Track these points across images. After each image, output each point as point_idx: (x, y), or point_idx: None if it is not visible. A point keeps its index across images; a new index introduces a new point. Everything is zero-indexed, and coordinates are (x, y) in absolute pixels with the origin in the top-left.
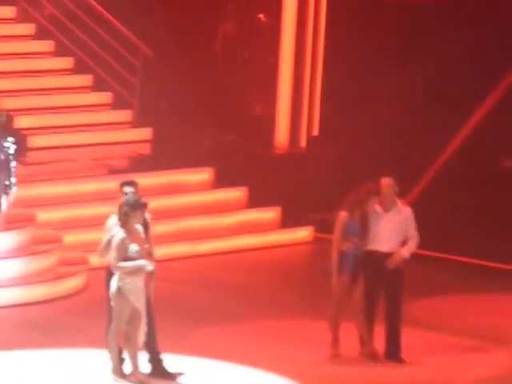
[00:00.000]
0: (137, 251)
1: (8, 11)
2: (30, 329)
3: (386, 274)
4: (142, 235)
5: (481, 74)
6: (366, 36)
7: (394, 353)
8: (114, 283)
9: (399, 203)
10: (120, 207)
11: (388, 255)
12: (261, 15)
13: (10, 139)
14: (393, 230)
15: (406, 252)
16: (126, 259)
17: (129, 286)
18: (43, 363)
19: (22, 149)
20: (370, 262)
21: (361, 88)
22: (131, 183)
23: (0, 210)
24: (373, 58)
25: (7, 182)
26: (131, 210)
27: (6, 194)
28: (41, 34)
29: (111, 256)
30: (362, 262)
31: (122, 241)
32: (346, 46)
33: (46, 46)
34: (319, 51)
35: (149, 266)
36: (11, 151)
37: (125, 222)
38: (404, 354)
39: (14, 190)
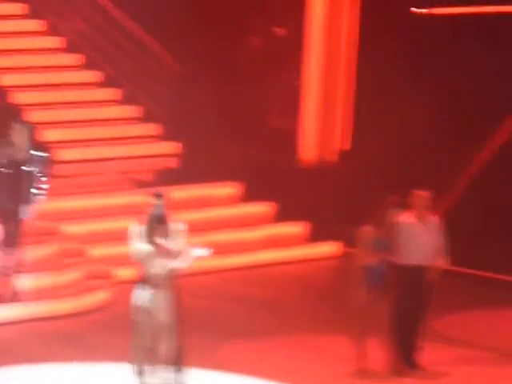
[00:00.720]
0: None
1: (37, 24)
2: (56, 342)
3: (420, 287)
4: (168, 248)
5: (510, 85)
6: (396, 49)
7: (414, 362)
8: (136, 296)
9: (430, 215)
10: (147, 219)
11: (422, 268)
12: (284, 29)
13: (36, 152)
14: (426, 241)
15: (442, 263)
16: (149, 273)
17: (151, 299)
18: (70, 377)
19: (47, 161)
20: (404, 276)
21: (389, 101)
22: (160, 196)
23: (22, 219)
24: (402, 72)
25: (31, 194)
26: (156, 223)
27: (30, 204)
28: (71, 48)
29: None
30: (395, 275)
31: (148, 254)
32: (375, 59)
33: (76, 59)
34: (349, 65)
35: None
36: (36, 164)
37: (150, 235)
38: (432, 368)
39: (39, 201)
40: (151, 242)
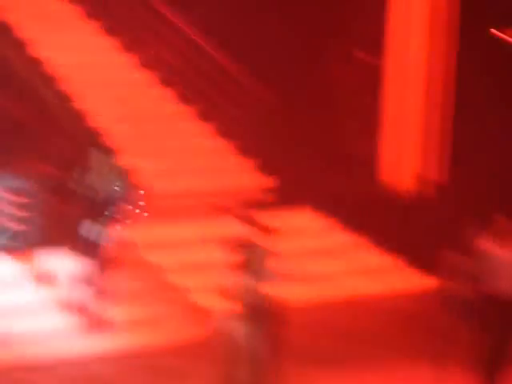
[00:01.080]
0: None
1: (128, 57)
2: (155, 374)
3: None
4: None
5: None
6: (493, 75)
7: None
8: (232, 328)
9: None
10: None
11: None
12: (364, 53)
13: (119, 180)
14: None
15: None
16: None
17: (243, 330)
18: None
19: (133, 190)
20: (495, 306)
21: (485, 129)
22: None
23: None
24: (499, 100)
25: (114, 222)
26: (250, 253)
27: (113, 233)
28: (165, 80)
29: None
30: (487, 306)
31: (245, 286)
32: (472, 87)
33: (170, 91)
34: (445, 94)
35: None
36: (120, 192)
37: (247, 265)
38: None
39: (123, 230)
40: (248, 272)
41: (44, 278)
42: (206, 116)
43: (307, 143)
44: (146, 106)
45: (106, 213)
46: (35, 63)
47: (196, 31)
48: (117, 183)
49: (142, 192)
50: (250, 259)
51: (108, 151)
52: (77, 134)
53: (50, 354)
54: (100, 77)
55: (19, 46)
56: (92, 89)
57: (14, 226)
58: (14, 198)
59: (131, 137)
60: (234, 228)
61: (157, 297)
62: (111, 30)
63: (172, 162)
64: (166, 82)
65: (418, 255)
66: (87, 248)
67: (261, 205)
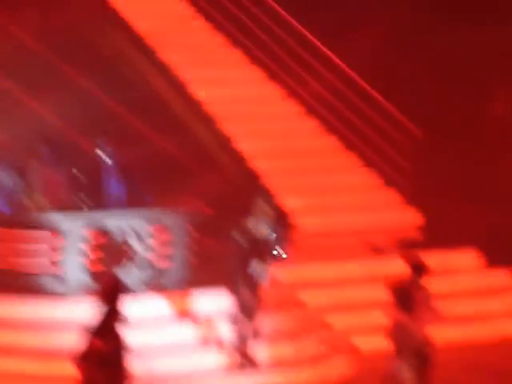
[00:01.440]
0: None
1: (276, 90)
2: None
3: None
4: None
5: None
6: None
7: None
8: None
9: None
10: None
11: None
12: None
13: (274, 220)
14: None
15: None
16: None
17: (407, 372)
18: None
19: (285, 231)
20: None
21: None
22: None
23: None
24: None
25: (268, 262)
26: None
27: (266, 272)
28: (309, 113)
29: None
30: None
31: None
32: None
33: (314, 125)
34: None
35: None
36: (275, 234)
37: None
38: None
39: (275, 270)
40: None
41: (196, 317)
42: (355, 150)
43: (459, 180)
44: (296, 140)
45: (262, 253)
46: (192, 102)
47: (347, 64)
48: (272, 223)
49: (293, 230)
50: (405, 298)
51: (264, 191)
52: (233, 173)
53: None
54: (252, 111)
55: (177, 86)
56: (244, 124)
57: (166, 264)
58: (165, 235)
59: (282, 173)
60: (390, 266)
61: (309, 336)
62: (261, 62)
63: (323, 198)
64: (317, 115)
65: None
66: (242, 287)
67: (413, 243)
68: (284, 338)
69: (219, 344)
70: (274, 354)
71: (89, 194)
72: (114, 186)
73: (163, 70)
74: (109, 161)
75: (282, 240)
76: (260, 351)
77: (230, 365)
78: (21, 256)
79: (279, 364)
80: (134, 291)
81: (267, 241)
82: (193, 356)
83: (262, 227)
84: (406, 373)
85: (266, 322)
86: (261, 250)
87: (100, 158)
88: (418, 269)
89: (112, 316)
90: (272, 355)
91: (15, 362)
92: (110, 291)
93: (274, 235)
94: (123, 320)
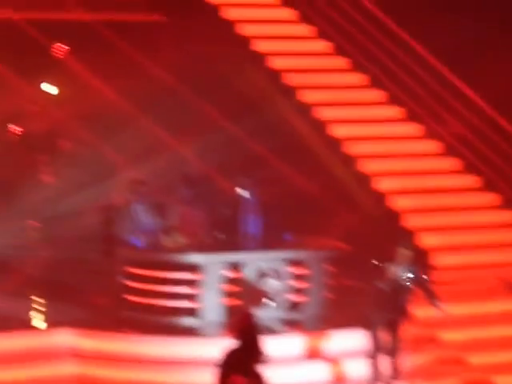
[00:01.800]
0: None
1: (415, 129)
2: None
3: None
4: None
5: None
6: None
7: None
8: None
9: None
10: None
11: None
12: None
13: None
14: None
15: None
16: None
17: None
18: None
19: (426, 272)
20: None
21: None
22: None
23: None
24: None
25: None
26: None
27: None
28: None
29: None
30: None
31: None
32: None
33: (452, 164)
34: None
35: None
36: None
37: None
38: None
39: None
40: None
41: (331, 356)
42: (495, 189)
43: None
44: (435, 179)
45: (403, 296)
46: (331, 141)
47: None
48: (412, 267)
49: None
50: None
51: (405, 235)
52: (371, 211)
53: None
54: (390, 149)
55: (316, 125)
56: (382, 162)
57: (303, 302)
58: (302, 273)
59: (421, 212)
60: None
61: (441, 373)
62: (400, 100)
63: (457, 236)
64: (456, 154)
65: None
66: (386, 327)
67: None
68: (423, 376)
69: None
70: None
71: (228, 232)
72: (253, 225)
73: (303, 109)
74: (249, 198)
75: (423, 283)
76: None
77: None
78: (161, 296)
79: None
80: (270, 329)
81: (411, 285)
82: None
83: (401, 271)
84: None
85: (406, 360)
86: (404, 295)
87: (240, 196)
88: None
89: (251, 353)
90: None
91: None
92: (244, 328)
93: (418, 280)
94: (263, 358)
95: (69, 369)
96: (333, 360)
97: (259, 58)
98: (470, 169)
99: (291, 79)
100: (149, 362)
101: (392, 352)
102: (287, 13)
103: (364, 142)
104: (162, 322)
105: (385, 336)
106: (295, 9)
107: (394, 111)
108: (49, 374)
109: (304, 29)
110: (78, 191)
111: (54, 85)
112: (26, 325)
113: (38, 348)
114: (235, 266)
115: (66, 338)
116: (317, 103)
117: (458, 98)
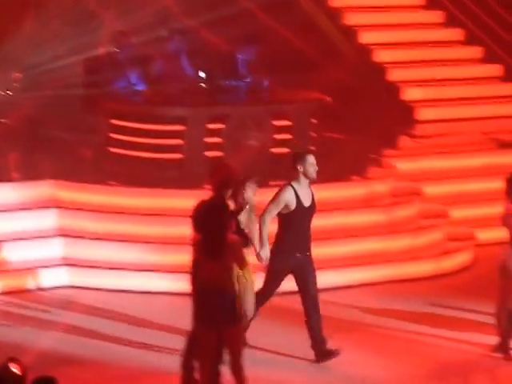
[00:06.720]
0: None
1: None
2: (411, 304)
3: None
4: None
5: None
6: None
7: None
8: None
9: None
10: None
11: None
12: None
13: None
14: None
15: None
16: None
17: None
18: None
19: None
20: None
21: None
22: None
23: None
24: None
25: None
26: None
27: None
28: (431, 5)
29: None
30: None
31: None
32: None
33: (436, 16)
34: None
35: None
36: None
37: None
38: None
39: None
40: None
41: None
42: (474, 43)
43: None
44: (412, 32)
45: None
46: None
47: None
48: None
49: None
50: None
51: None
52: (355, 65)
53: None
54: (377, 3)
55: None
56: (368, 16)
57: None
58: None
59: (399, 65)
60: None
61: (423, 226)
62: None
63: (440, 89)
64: (440, 7)
65: None
66: None
67: None
68: (404, 229)
69: None
70: (395, 246)
71: (213, 85)
72: (238, 79)
73: None
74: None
75: None
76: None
77: None
78: (144, 148)
79: (399, 256)
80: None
81: None
82: None
83: None
84: None
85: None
86: None
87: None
88: None
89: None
90: (392, 248)
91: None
92: (224, 180)
93: None
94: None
95: (51, 220)
96: None
97: None
98: (452, 22)
99: None
100: (132, 214)
101: None
102: None
103: None
104: (146, 175)
105: None
106: None
107: None
108: (31, 225)
109: None
110: (63, 43)
111: None
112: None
113: (22, 199)
114: (219, 119)
115: (48, 189)
116: None
117: None
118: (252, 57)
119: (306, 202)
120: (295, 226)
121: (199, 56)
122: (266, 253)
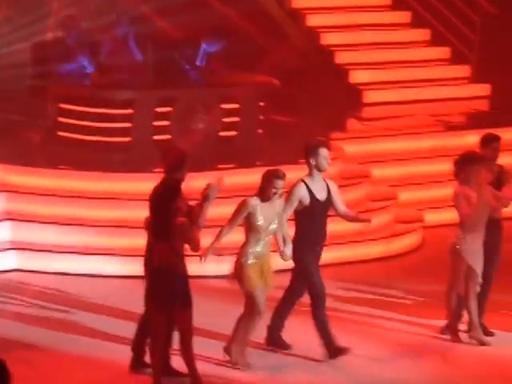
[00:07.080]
0: None
1: None
2: (358, 287)
3: None
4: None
5: None
6: None
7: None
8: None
9: None
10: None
11: None
12: None
13: None
14: None
15: None
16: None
17: (465, 246)
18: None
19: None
20: None
21: None
22: None
23: None
24: None
25: None
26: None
27: None
28: None
29: None
30: None
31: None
32: None
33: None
34: None
35: None
36: None
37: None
38: None
39: None
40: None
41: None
42: (421, 26)
43: None
44: (360, 15)
45: None
46: None
47: None
48: None
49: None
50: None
51: None
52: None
53: None
54: None
55: None
56: None
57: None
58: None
59: (347, 48)
60: (458, 140)
61: (371, 208)
62: None
63: (388, 72)
64: None
65: None
66: None
67: (479, 116)
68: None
69: None
70: (340, 228)
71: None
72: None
73: None
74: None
75: None
76: None
77: None
78: (93, 132)
79: (349, 238)
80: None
81: None
82: None
83: None
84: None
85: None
86: None
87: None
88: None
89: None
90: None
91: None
92: (175, 162)
93: None
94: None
95: None
96: None
97: None
98: (399, 4)
99: None
100: (80, 198)
101: None
102: None
103: None
104: (95, 158)
105: None
106: None
107: None
108: None
109: None
110: (11, 30)
111: None
112: None
113: None
114: (168, 102)
115: None
116: None
117: None
118: (217, 49)
119: (321, 196)
120: (311, 221)
121: (148, 41)
122: (289, 251)
